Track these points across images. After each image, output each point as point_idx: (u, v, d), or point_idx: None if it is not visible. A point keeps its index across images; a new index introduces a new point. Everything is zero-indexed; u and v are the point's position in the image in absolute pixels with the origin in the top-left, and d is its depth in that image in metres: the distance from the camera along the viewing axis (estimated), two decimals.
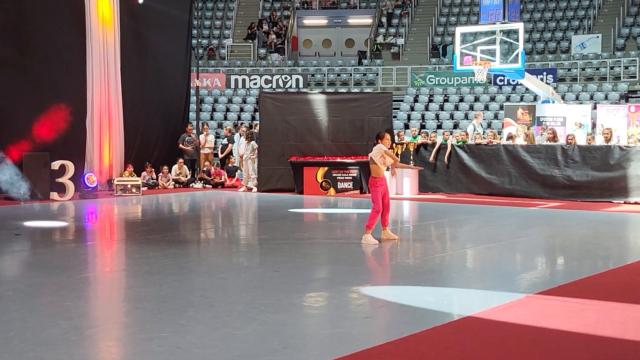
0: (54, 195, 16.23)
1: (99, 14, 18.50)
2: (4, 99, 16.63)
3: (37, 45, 17.30)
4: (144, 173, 19.22)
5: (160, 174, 19.59)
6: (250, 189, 18.64)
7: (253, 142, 18.72)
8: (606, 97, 25.53)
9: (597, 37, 28.73)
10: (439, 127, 25.51)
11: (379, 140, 10.17)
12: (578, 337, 5.55)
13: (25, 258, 9.21)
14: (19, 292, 7.11)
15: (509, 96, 26.72)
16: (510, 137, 17.45)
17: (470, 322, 5.97)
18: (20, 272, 8.31)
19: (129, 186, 17.75)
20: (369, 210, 10.17)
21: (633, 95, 25.69)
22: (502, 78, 26.77)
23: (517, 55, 18.84)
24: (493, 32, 19.08)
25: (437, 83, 28.44)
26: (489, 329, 5.78)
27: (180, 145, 20.51)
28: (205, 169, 20.23)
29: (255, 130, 19.39)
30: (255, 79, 29.90)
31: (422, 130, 20.58)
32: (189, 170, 20.35)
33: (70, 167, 16.56)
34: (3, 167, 15.77)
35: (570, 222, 12.88)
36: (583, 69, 27.74)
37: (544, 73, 26.61)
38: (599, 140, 16.67)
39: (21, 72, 16.96)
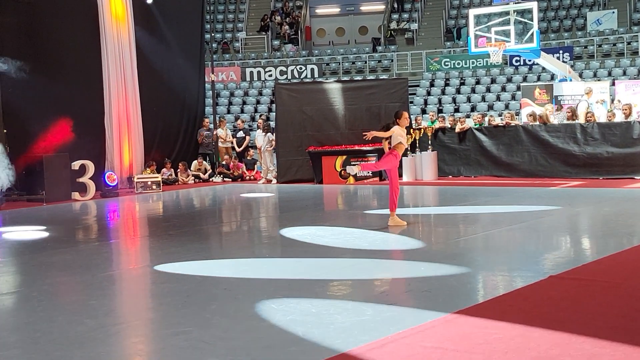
0: (75, 195, 16.35)
1: (112, 12, 18.57)
2: (22, 101, 16.76)
3: (52, 46, 17.42)
4: (163, 170, 19.32)
5: (179, 170, 19.68)
6: (269, 181, 18.67)
7: (269, 134, 18.73)
8: (624, 73, 25.25)
9: (613, 12, 28.40)
10: (457, 110, 25.39)
11: (397, 120, 10.20)
12: (605, 316, 5.50)
13: (50, 258, 9.29)
14: (44, 292, 7.18)
15: (526, 76, 26.51)
16: (535, 117, 17.13)
17: (495, 304, 5.94)
18: (45, 272, 8.38)
19: (149, 183, 17.85)
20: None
21: None
22: (518, 58, 26.56)
23: (532, 34, 18.67)
24: (507, 13, 18.92)
25: (452, 66, 28.28)
26: (514, 311, 5.75)
27: (199, 134, 20.63)
28: (224, 162, 20.29)
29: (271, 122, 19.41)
30: (270, 70, 29.90)
31: (439, 115, 20.49)
32: (208, 164, 20.42)
33: (91, 166, 16.67)
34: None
35: (592, 200, 12.78)
36: (600, 46, 27.43)
37: (560, 51, 26.35)
38: (619, 117, 16.50)
39: (37, 73, 17.05)
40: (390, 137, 10.18)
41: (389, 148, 10.36)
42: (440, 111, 25.08)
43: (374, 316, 5.78)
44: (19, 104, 16.73)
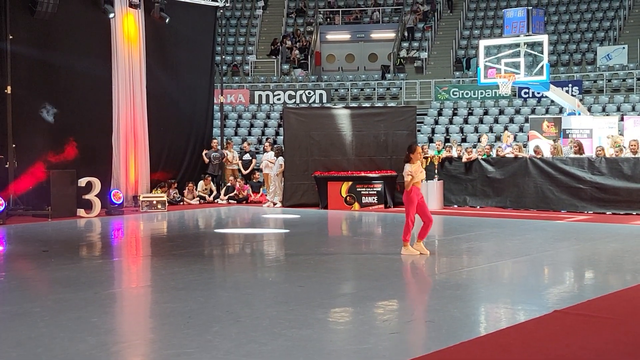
0: (81, 211, 16.36)
1: (125, 31, 18.69)
2: (31, 116, 16.84)
3: (64, 63, 17.51)
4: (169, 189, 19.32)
5: (186, 190, 19.69)
6: (274, 204, 18.67)
7: (280, 157, 18.72)
8: (633, 109, 25.28)
9: (623, 47, 28.50)
10: (464, 140, 25.41)
11: (411, 155, 10.06)
12: (607, 353, 5.46)
13: (53, 274, 9.28)
14: (46, 309, 7.16)
15: (534, 109, 26.56)
16: (536, 151, 17.25)
17: (498, 337, 5.91)
18: (47, 288, 8.37)
19: (155, 202, 17.85)
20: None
21: None
22: (527, 90, 26.62)
23: (542, 67, 18.71)
24: (517, 45, 18.98)
25: (461, 96, 28.35)
26: (517, 345, 5.71)
27: (204, 157, 20.56)
28: (229, 184, 20.31)
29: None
30: (278, 94, 30.01)
31: (446, 144, 20.51)
32: (214, 185, 20.43)
33: (97, 183, 16.69)
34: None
35: (599, 235, 12.73)
36: (609, 81, 27.50)
37: (570, 85, 26.41)
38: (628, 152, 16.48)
39: (48, 89, 17.17)
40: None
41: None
42: (447, 140, 25.09)
43: (376, 345, 5.74)
44: (29, 119, 16.81)
